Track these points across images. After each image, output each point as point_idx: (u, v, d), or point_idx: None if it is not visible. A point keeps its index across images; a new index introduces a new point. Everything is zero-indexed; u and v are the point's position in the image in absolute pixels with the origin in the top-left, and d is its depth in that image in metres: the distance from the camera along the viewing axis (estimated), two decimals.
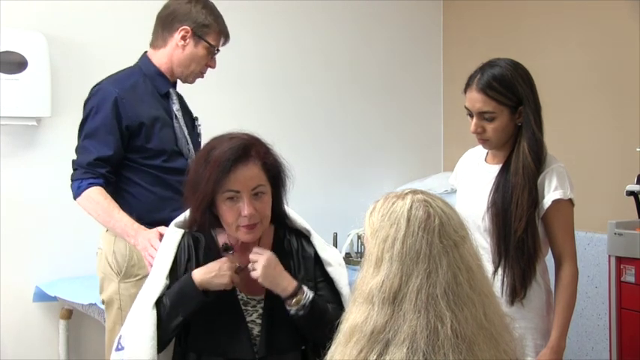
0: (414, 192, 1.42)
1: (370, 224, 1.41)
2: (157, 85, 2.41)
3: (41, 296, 3.09)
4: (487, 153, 2.25)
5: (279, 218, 1.97)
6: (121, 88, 2.33)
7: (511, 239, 2.07)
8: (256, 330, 1.83)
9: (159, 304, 1.80)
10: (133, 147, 2.32)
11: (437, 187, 3.53)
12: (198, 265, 1.86)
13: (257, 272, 1.79)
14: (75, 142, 3.20)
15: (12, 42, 2.97)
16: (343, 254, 3.35)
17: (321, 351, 1.88)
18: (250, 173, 1.81)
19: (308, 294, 1.82)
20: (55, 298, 3.04)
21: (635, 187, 2.78)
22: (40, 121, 3.11)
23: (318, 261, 1.96)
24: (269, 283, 1.80)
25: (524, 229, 2.06)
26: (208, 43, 2.39)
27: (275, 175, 1.88)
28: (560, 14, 3.48)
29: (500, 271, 2.10)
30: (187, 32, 2.37)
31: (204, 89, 3.53)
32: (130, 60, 3.35)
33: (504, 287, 2.09)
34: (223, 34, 2.43)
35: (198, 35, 2.38)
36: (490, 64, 2.14)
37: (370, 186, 3.90)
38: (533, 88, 2.13)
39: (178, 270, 1.86)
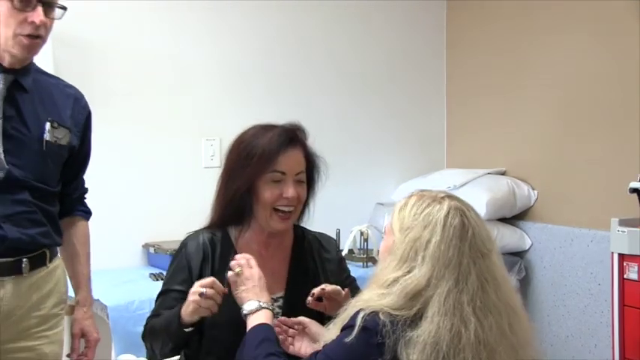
0: (451, 197, 1.43)
1: (399, 219, 1.42)
2: None
3: None
4: None
5: (301, 217, 1.95)
6: None
7: None
8: None
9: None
10: None
11: (440, 184, 3.52)
12: (213, 267, 1.82)
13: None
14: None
15: None
16: (346, 250, 3.35)
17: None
18: (298, 157, 1.83)
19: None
20: None
21: (638, 185, 2.77)
22: None
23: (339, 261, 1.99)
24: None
25: None
26: None
27: (312, 166, 1.88)
28: (562, 15, 3.47)
29: None
30: None
31: (205, 84, 3.55)
32: (132, 57, 3.37)
33: None
34: None
35: None
36: None
37: (373, 182, 3.90)
38: None
39: (192, 273, 1.82)
